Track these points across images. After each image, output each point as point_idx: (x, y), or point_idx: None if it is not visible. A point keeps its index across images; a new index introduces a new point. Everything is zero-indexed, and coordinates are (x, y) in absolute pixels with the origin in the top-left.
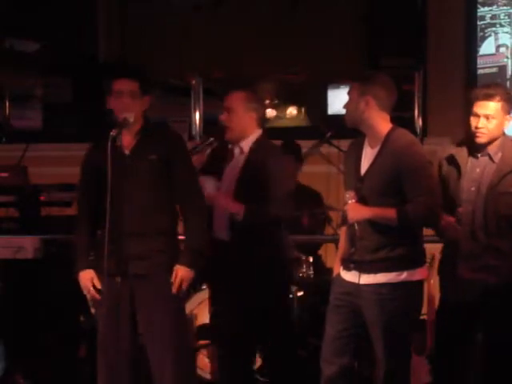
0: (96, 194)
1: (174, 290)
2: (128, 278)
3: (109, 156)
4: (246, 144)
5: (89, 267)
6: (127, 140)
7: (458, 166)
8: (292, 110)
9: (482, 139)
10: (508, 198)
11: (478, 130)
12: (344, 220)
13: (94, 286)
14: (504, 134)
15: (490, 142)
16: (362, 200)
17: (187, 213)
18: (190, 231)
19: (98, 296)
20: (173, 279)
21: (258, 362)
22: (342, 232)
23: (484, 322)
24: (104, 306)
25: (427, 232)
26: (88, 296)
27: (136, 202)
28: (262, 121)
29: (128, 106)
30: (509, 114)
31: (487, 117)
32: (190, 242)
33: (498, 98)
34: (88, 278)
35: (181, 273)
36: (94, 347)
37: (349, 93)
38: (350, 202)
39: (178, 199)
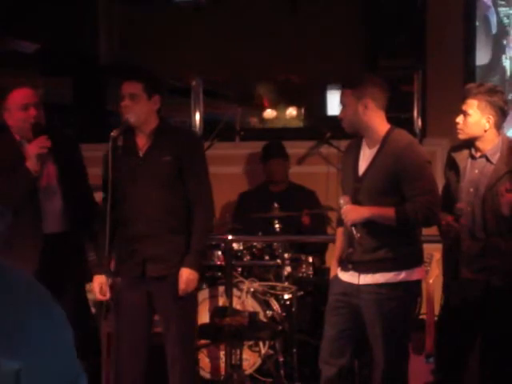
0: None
1: (181, 292)
2: (145, 279)
3: (110, 157)
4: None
5: (102, 272)
6: (141, 141)
7: (457, 168)
8: (291, 111)
9: (459, 135)
10: None
11: (457, 125)
12: (340, 221)
13: (101, 290)
14: (502, 134)
15: (476, 141)
16: (357, 204)
17: (195, 213)
18: (194, 232)
19: (104, 298)
20: (179, 282)
21: (258, 362)
22: (339, 233)
23: (485, 321)
24: (119, 307)
25: (426, 232)
26: (97, 297)
27: (151, 203)
28: None
29: (127, 108)
30: (490, 116)
31: (464, 112)
32: (194, 243)
33: (475, 96)
34: (97, 283)
35: (186, 275)
36: (95, 348)
37: (343, 100)
38: (344, 207)
39: (189, 199)
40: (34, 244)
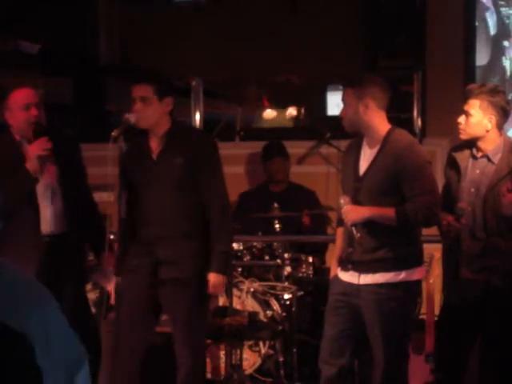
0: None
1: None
2: (156, 280)
3: (111, 157)
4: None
5: (119, 274)
6: (154, 144)
7: (458, 168)
8: (291, 111)
9: (461, 135)
10: None
11: (459, 126)
12: (340, 221)
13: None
14: (503, 135)
15: (478, 141)
16: (358, 204)
17: (212, 214)
18: (215, 233)
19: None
20: (209, 287)
21: (258, 361)
22: (339, 233)
23: (485, 321)
24: (124, 306)
25: (426, 232)
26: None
27: (163, 205)
28: None
29: (139, 111)
30: (492, 116)
31: (466, 112)
32: (216, 246)
33: (477, 96)
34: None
35: (212, 279)
36: (95, 348)
37: (344, 99)
38: (345, 207)
39: (203, 200)
40: (34, 244)
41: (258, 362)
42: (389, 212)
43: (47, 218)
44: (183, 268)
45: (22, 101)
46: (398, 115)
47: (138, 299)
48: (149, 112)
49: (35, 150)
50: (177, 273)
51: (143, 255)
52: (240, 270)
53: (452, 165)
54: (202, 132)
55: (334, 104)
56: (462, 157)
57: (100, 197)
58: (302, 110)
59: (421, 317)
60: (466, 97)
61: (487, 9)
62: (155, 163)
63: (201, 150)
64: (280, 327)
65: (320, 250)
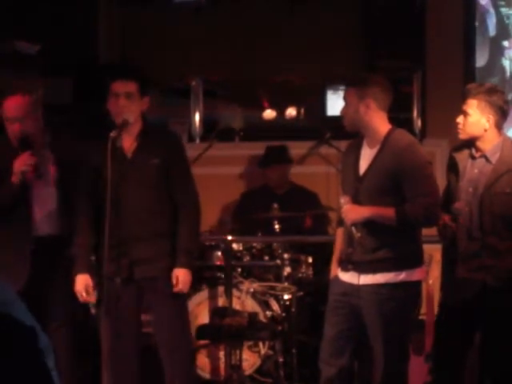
0: (96, 197)
1: (176, 291)
2: (134, 280)
3: (109, 158)
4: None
5: (86, 271)
6: (128, 142)
7: (457, 167)
8: (291, 111)
9: (460, 135)
10: (503, 198)
11: (457, 125)
12: (340, 222)
13: (87, 291)
14: (503, 135)
15: (477, 141)
16: (358, 204)
17: (181, 213)
18: (183, 232)
19: (90, 300)
20: (173, 282)
21: (258, 362)
22: (339, 233)
23: (482, 321)
24: (105, 309)
25: (426, 232)
26: (80, 299)
27: (139, 205)
28: None
29: (123, 107)
30: (489, 115)
31: (464, 112)
32: (185, 243)
33: (475, 96)
34: (82, 283)
35: (181, 276)
36: (95, 348)
37: (346, 98)
38: (345, 206)
39: (176, 200)
40: (28, 246)
41: (258, 362)
42: (389, 212)
43: (44, 219)
44: (158, 267)
45: (9, 113)
46: (398, 116)
47: (123, 303)
48: (132, 109)
49: (19, 165)
50: (152, 272)
51: (118, 257)
52: (240, 270)
53: (452, 165)
54: (171, 131)
55: (334, 104)
56: (462, 157)
57: None
58: (302, 110)
59: (420, 317)
60: (464, 97)
61: (487, 11)
62: (130, 162)
63: (174, 150)
64: (280, 328)
65: (320, 251)
